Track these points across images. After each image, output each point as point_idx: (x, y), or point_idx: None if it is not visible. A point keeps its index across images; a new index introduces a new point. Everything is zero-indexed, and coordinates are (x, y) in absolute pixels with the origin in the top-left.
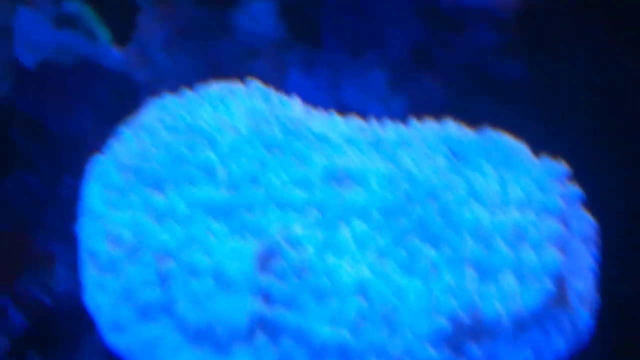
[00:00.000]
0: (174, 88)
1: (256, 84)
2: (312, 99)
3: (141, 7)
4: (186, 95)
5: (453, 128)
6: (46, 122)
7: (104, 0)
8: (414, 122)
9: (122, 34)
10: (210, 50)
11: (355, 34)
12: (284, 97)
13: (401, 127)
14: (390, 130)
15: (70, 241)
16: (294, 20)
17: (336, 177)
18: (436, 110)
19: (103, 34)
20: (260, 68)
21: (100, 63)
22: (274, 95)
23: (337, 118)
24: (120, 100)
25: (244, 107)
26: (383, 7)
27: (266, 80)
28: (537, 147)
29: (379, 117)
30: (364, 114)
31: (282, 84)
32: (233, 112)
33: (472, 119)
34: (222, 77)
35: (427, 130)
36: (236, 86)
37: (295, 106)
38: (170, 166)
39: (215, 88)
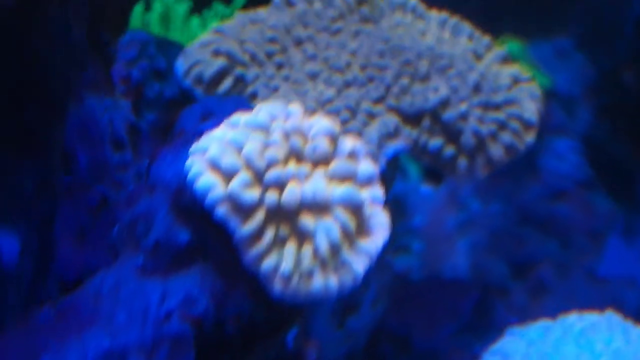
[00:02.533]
0: (483, 231)
1: (615, 318)
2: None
3: None
4: (549, 327)
5: None
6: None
7: None
8: None
9: (432, 173)
10: (518, 193)
11: None
12: None
13: None
14: None
15: None
16: (599, 159)
17: None
18: None
19: (413, 170)
20: (567, 211)
21: (407, 201)
22: (634, 331)
23: None
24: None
25: (608, 348)
26: None
27: (572, 222)
28: None
29: None
30: None
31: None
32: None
33: None
34: (530, 220)
35: None
36: (596, 318)
37: None
38: None
39: (576, 320)
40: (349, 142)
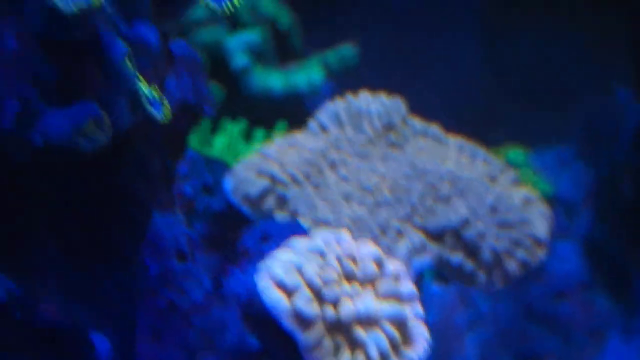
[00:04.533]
0: (491, 328)
1: None
2: None
3: None
4: None
5: None
6: None
7: None
8: None
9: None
10: (524, 292)
11: None
12: None
13: None
14: None
15: None
16: (599, 260)
17: None
18: None
19: (427, 271)
20: (569, 309)
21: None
22: None
23: None
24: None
25: None
26: None
27: (574, 320)
28: None
29: None
30: None
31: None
32: None
33: None
34: (534, 318)
35: None
36: None
37: None
38: None
39: None
40: (392, 265)
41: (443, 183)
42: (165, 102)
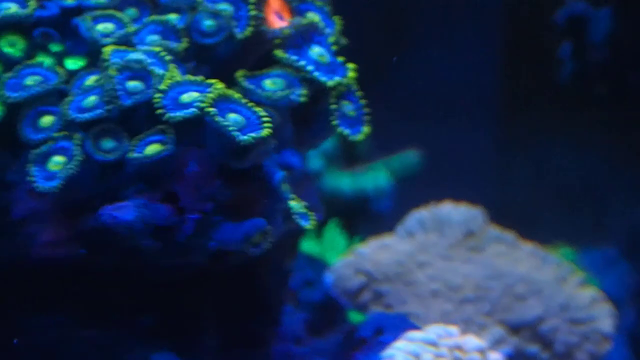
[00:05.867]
0: None
1: None
2: None
3: None
4: None
5: None
6: None
7: None
8: None
9: None
10: None
11: None
12: None
13: None
14: None
15: None
16: None
17: None
18: None
19: None
20: None
21: None
22: None
23: None
24: None
25: None
26: None
27: None
28: None
29: None
30: None
31: None
32: None
33: None
34: None
35: None
36: None
37: None
38: None
39: None
40: (493, 356)
41: (519, 284)
42: (312, 214)
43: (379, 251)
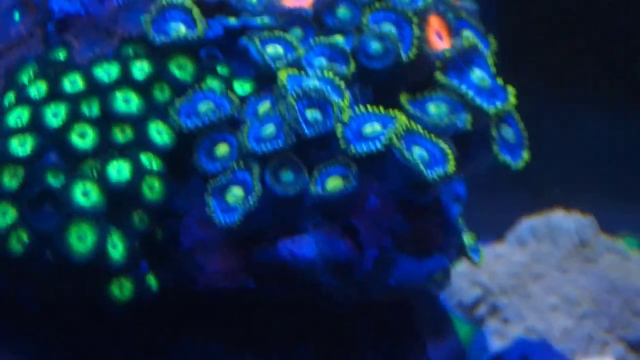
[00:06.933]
0: None
1: None
2: None
3: None
4: None
5: None
6: None
7: None
8: None
9: None
10: None
11: None
12: None
13: None
14: None
15: None
16: None
17: None
18: None
19: None
20: None
21: None
22: None
23: None
24: None
25: None
26: None
27: None
28: None
29: None
30: None
31: None
32: None
33: None
34: None
35: None
36: None
37: None
38: None
39: None
40: None
41: (637, 299)
42: (481, 248)
43: (492, 261)
